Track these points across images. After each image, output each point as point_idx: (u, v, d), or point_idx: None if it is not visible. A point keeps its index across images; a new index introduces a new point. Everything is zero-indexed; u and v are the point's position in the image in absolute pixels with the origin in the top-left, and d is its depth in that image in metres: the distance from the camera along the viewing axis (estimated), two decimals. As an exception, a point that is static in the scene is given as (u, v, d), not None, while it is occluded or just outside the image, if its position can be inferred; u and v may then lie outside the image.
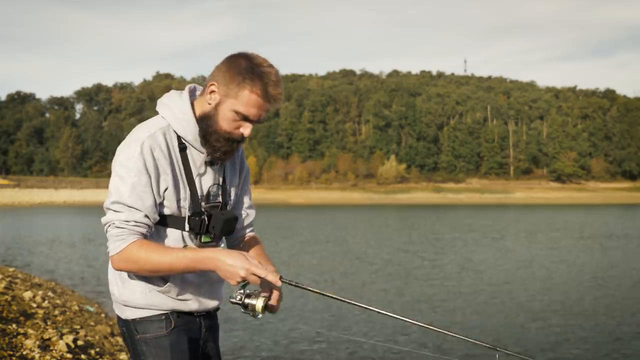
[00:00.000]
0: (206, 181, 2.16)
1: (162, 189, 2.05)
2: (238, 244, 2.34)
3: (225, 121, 2.06)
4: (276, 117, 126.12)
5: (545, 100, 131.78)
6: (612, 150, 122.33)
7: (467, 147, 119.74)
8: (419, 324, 2.19)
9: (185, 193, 2.09)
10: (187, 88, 2.19)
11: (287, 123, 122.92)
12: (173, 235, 2.11)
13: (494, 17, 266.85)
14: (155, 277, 2.09)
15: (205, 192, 2.15)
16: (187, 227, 2.10)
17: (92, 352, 5.78)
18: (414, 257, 19.84)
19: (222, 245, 2.25)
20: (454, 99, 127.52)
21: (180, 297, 2.13)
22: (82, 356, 5.38)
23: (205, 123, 2.08)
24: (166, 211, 2.09)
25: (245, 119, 2.06)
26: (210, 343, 2.27)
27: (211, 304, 2.23)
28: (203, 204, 2.13)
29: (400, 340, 9.06)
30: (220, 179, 2.22)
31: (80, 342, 5.83)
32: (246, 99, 2.03)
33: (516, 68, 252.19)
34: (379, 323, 10.04)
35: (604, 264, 18.11)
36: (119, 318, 2.18)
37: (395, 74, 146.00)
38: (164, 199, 2.06)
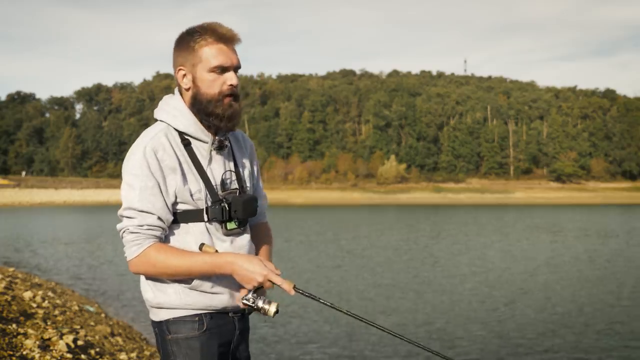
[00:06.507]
0: (217, 170, 2.18)
1: (170, 189, 2.07)
2: (251, 233, 2.33)
3: (209, 86, 2.10)
4: (276, 117, 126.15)
5: (545, 100, 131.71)
6: (612, 150, 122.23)
7: (467, 147, 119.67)
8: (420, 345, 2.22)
9: (199, 185, 2.11)
10: (175, 89, 2.23)
11: (287, 123, 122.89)
12: (197, 229, 2.12)
13: (494, 17, 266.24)
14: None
15: (219, 180, 2.17)
16: (205, 217, 2.11)
17: (92, 352, 5.78)
18: (411, 255, 19.87)
19: (248, 233, 2.24)
20: (454, 99, 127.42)
21: (212, 291, 2.13)
22: (82, 356, 5.38)
23: (198, 103, 2.12)
24: (184, 207, 2.11)
25: (223, 70, 2.10)
26: (242, 346, 2.28)
27: None
28: (220, 192, 2.15)
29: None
30: (232, 165, 2.24)
31: (80, 342, 5.83)
32: (208, 53, 2.08)
33: (516, 68, 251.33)
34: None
35: (596, 260, 18.14)
36: (152, 321, 2.20)
37: (395, 74, 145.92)
38: (176, 198, 2.08)
